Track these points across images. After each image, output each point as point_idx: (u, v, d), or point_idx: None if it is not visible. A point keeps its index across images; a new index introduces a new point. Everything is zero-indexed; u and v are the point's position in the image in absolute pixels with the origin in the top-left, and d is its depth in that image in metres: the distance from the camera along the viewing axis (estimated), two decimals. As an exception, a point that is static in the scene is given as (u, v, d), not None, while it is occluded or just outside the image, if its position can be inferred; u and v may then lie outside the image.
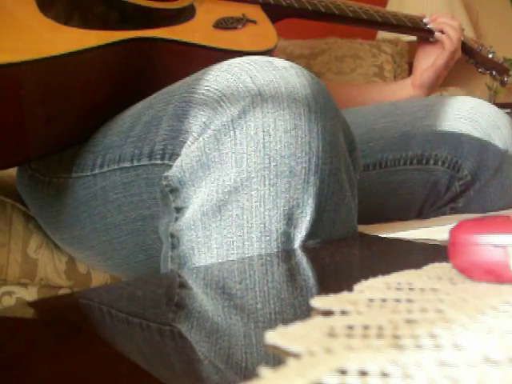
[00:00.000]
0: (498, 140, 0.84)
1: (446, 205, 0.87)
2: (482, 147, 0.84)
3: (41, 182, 0.74)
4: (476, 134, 0.84)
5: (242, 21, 0.80)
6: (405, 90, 1.07)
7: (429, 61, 1.05)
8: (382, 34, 2.13)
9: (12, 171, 0.84)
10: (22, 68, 0.59)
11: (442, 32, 1.04)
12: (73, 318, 0.33)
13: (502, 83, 1.20)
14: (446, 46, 1.02)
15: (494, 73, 1.18)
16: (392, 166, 0.90)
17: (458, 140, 0.85)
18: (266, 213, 0.51)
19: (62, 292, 0.89)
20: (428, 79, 1.04)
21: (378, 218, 0.90)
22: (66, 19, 0.66)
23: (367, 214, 0.83)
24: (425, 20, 1.05)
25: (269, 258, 0.48)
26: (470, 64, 1.19)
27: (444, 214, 0.87)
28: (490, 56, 1.16)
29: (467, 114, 0.86)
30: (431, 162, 0.87)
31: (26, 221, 0.86)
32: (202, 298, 0.36)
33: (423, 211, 0.89)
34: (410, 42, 1.90)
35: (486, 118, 0.85)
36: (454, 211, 0.86)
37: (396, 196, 0.90)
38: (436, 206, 0.88)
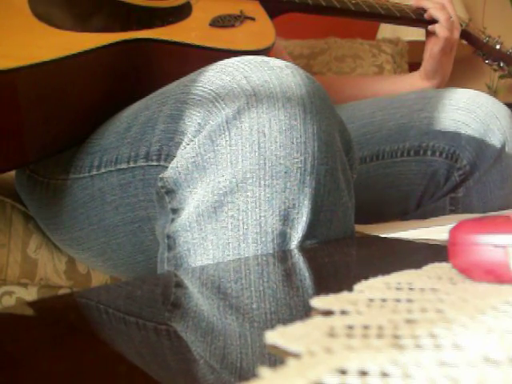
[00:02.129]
0: (497, 130, 0.84)
1: (446, 195, 0.87)
2: (480, 137, 0.84)
3: (39, 184, 0.74)
4: (474, 124, 0.84)
5: (240, 18, 0.80)
6: (414, 81, 1.06)
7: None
8: (382, 34, 2.13)
9: (12, 172, 0.84)
10: (18, 74, 0.59)
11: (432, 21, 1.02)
12: (72, 317, 0.33)
13: (510, 74, 1.19)
14: (439, 33, 1.00)
15: (501, 64, 1.17)
16: (389, 157, 0.90)
17: (455, 130, 0.85)
18: (262, 214, 0.50)
19: (61, 292, 0.89)
20: (430, 68, 1.03)
21: (378, 210, 0.90)
22: (59, 23, 0.66)
23: (366, 206, 0.83)
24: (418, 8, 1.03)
25: (268, 258, 0.48)
26: (472, 63, 1.18)
27: (444, 204, 0.87)
28: (498, 47, 1.15)
29: (465, 105, 0.86)
30: (429, 152, 0.87)
31: (25, 221, 0.86)
32: (198, 297, 0.36)
33: (423, 202, 0.89)
34: (410, 42, 1.90)
35: (484, 109, 0.85)
36: (454, 201, 0.86)
37: (394, 187, 0.90)
38: (436, 197, 0.88)
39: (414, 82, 1.06)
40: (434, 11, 1.01)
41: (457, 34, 1.03)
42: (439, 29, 1.00)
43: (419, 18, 1.03)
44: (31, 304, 0.46)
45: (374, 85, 1.08)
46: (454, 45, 1.03)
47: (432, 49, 1.02)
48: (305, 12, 0.97)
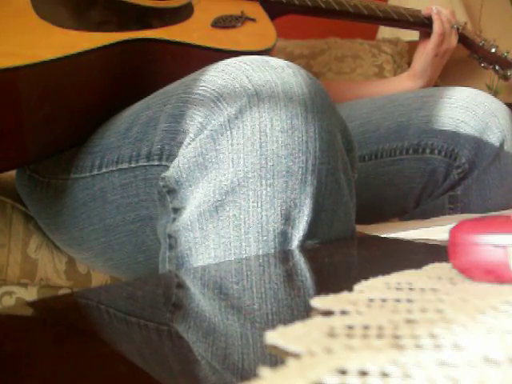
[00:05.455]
0: (496, 128, 0.84)
1: (445, 193, 0.87)
2: (478, 135, 0.84)
3: (40, 183, 0.74)
4: (472, 122, 0.84)
5: (241, 19, 0.80)
6: (400, 82, 1.07)
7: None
8: (382, 34, 2.13)
9: (12, 172, 0.84)
10: (20, 72, 0.59)
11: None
12: (72, 317, 0.33)
13: (506, 78, 1.19)
14: (435, 28, 1.02)
15: (497, 67, 1.18)
16: (388, 156, 0.90)
17: (454, 129, 0.85)
18: (264, 213, 0.50)
19: (61, 292, 0.89)
20: (419, 66, 1.04)
21: (377, 209, 0.90)
22: (63, 21, 0.66)
23: (365, 205, 0.83)
24: (423, 12, 1.06)
25: (269, 259, 0.48)
26: (472, 63, 1.19)
27: (443, 202, 0.87)
28: (493, 50, 1.15)
29: (463, 103, 0.86)
30: (427, 151, 0.87)
31: (25, 221, 0.86)
32: (200, 298, 0.36)
33: (421, 200, 0.89)
34: (410, 42, 1.90)
35: (483, 107, 0.85)
36: (453, 199, 0.86)
37: (393, 186, 0.90)
38: (435, 195, 0.88)
39: (400, 83, 1.07)
40: (440, 11, 1.03)
41: (454, 42, 1.04)
42: (437, 25, 1.01)
43: (417, 21, 1.04)
44: (31, 304, 0.46)
45: (359, 90, 1.09)
46: (449, 51, 1.04)
47: (426, 46, 1.03)
48: (304, 14, 0.97)
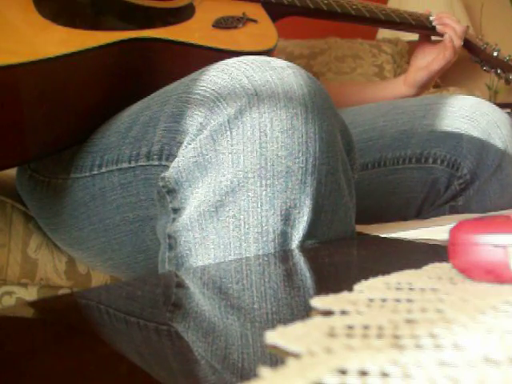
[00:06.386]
0: (498, 139, 0.84)
1: (446, 203, 0.87)
2: (481, 146, 0.84)
3: (40, 183, 0.74)
4: (475, 132, 0.84)
5: (242, 20, 0.80)
6: (397, 87, 1.07)
7: (426, 60, 1.05)
8: (382, 34, 2.13)
9: (12, 171, 0.84)
10: (20, 70, 0.59)
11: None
12: (72, 318, 0.33)
13: (507, 81, 1.19)
14: (447, 54, 1.02)
15: (498, 71, 1.17)
16: (391, 164, 0.90)
17: (457, 139, 0.85)
18: (263, 213, 0.50)
19: (61, 292, 0.89)
20: (421, 79, 1.04)
21: (378, 217, 0.90)
22: (63, 19, 0.66)
23: (366, 212, 0.83)
24: (431, 18, 1.05)
25: (268, 259, 0.48)
26: (472, 63, 1.18)
27: (443, 212, 0.87)
28: (495, 54, 1.15)
29: (467, 113, 0.86)
30: (430, 160, 0.87)
31: (26, 221, 0.86)
32: (200, 298, 0.36)
33: (423, 210, 0.89)
34: (410, 42, 1.90)
35: (486, 117, 0.85)
36: (454, 210, 0.86)
37: (395, 195, 0.90)
38: (435, 205, 0.88)
39: (396, 88, 1.07)
40: (454, 36, 1.02)
41: (455, 57, 1.04)
42: (449, 52, 1.01)
43: (419, 25, 1.04)
44: (31, 304, 0.46)
45: (357, 93, 1.09)
46: (449, 65, 1.05)
47: (432, 64, 1.03)
48: (306, 16, 0.97)
